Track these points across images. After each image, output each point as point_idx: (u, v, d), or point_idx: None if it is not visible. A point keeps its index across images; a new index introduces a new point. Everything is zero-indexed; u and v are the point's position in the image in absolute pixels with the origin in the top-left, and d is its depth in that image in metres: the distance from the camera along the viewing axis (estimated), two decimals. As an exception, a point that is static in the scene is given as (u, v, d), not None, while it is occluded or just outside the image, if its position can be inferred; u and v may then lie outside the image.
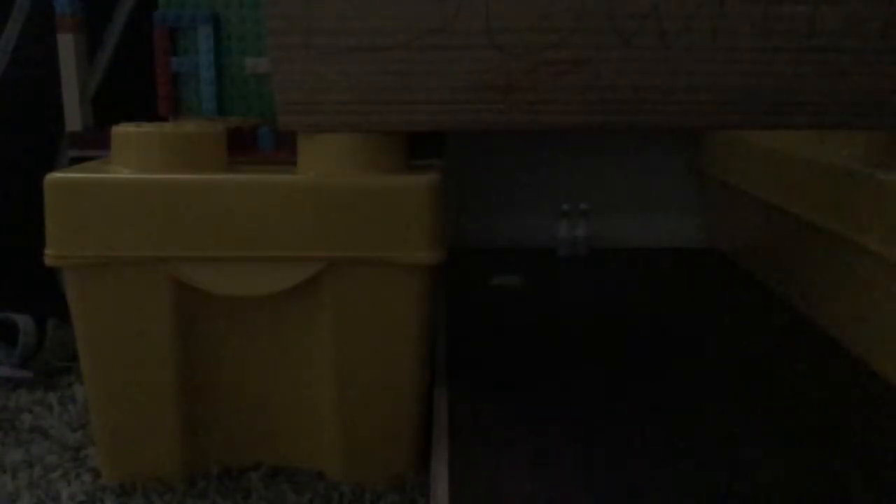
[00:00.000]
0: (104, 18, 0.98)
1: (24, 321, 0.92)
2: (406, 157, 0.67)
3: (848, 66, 0.61)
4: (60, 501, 0.66)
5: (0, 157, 0.99)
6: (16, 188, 0.97)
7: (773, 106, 0.62)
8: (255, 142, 0.74)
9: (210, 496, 0.67)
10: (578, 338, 0.75)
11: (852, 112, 0.62)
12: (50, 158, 0.98)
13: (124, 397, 0.67)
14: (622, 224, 1.10)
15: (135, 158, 0.65)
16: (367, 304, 0.65)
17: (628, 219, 1.10)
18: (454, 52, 0.61)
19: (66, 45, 0.82)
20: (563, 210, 1.03)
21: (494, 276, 0.92)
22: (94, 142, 0.82)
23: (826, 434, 0.56)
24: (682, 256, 1.04)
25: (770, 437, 0.56)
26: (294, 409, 0.69)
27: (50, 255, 0.64)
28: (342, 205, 0.63)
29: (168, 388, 0.67)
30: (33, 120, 0.98)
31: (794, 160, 0.79)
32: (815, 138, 0.78)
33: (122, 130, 0.67)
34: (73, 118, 0.83)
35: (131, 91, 0.94)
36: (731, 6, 0.60)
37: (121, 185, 0.64)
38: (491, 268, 0.94)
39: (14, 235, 0.96)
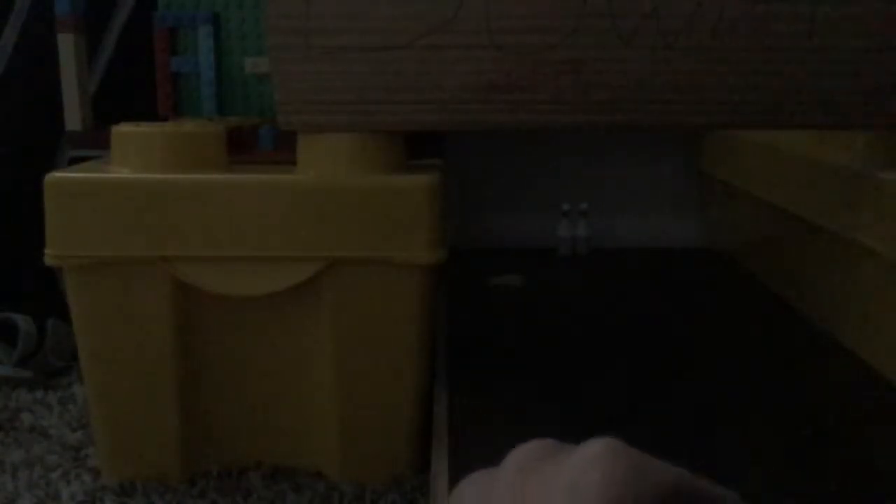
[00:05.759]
0: (104, 18, 0.98)
1: (24, 321, 0.92)
2: (406, 157, 0.67)
3: (848, 66, 0.61)
4: (60, 501, 0.66)
5: (0, 157, 0.99)
6: (16, 188, 0.97)
7: (773, 106, 0.62)
8: (255, 142, 0.74)
9: (210, 496, 0.67)
10: (578, 337, 0.75)
11: (852, 112, 0.62)
12: (50, 158, 0.98)
13: (124, 397, 0.67)
14: (622, 224, 1.10)
15: (135, 158, 0.65)
16: (367, 304, 0.65)
17: (628, 219, 1.10)
18: (454, 52, 0.61)
19: (66, 45, 0.82)
20: (563, 210, 1.03)
21: (494, 276, 0.92)
22: (94, 142, 0.82)
23: (826, 433, 0.56)
24: (682, 256, 1.04)
25: (770, 436, 0.55)
26: (294, 409, 0.69)
27: (50, 255, 0.64)
28: (342, 205, 0.63)
29: (168, 388, 0.67)
30: (33, 120, 0.98)
31: (794, 160, 0.79)
32: (815, 138, 0.78)
33: (122, 130, 0.67)
34: (73, 118, 0.83)
35: (131, 91, 0.94)
36: (731, 6, 0.60)
37: (121, 185, 0.64)
38: (491, 268, 0.94)
39: (14, 235, 0.96)
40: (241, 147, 0.71)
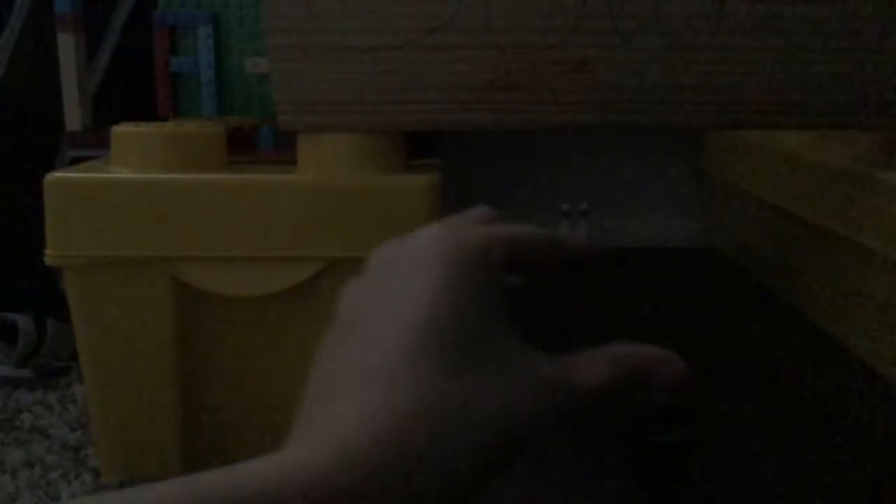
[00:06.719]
0: (104, 18, 0.98)
1: (24, 321, 0.92)
2: (406, 157, 0.67)
3: (848, 66, 0.61)
4: (60, 501, 0.66)
5: (0, 157, 0.99)
6: (16, 188, 0.97)
7: (772, 106, 0.62)
8: (255, 142, 0.74)
9: (210, 496, 0.67)
10: (578, 338, 0.75)
11: (852, 112, 0.62)
12: (50, 158, 0.98)
13: (124, 397, 0.67)
14: (622, 224, 1.10)
15: (135, 158, 0.65)
16: (367, 304, 0.65)
17: (628, 219, 1.10)
18: (454, 52, 0.61)
19: (66, 45, 0.82)
20: (563, 210, 1.03)
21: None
22: (94, 142, 0.82)
23: (826, 434, 0.56)
24: (682, 256, 1.04)
25: (769, 436, 0.55)
26: (294, 409, 0.69)
27: (50, 255, 0.64)
28: (342, 205, 0.63)
29: (168, 388, 0.67)
30: (33, 120, 0.98)
31: (794, 160, 0.79)
32: (815, 138, 0.78)
33: (122, 130, 0.67)
34: (73, 118, 0.83)
35: (131, 91, 0.93)
36: (731, 6, 0.60)
37: (121, 185, 0.64)
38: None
39: (14, 235, 0.96)
40: (241, 147, 0.71)
